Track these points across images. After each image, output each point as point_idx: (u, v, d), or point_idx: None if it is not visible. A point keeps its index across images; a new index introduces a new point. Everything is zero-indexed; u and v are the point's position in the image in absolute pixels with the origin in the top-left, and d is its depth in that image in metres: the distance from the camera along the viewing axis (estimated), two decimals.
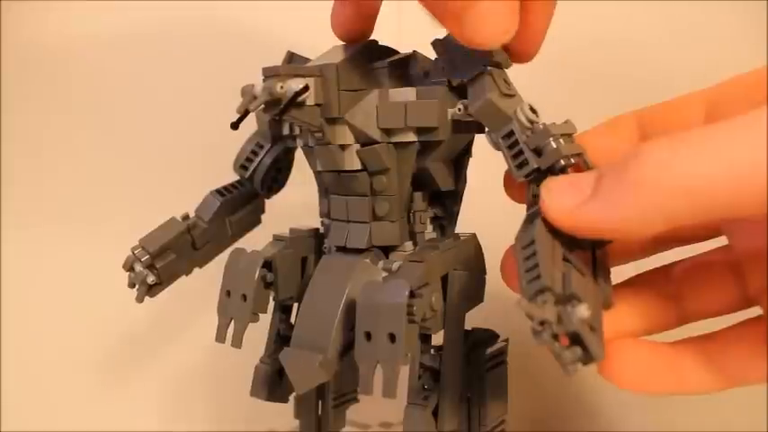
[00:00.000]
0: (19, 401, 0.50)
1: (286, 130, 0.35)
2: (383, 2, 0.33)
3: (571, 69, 0.49)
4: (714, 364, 0.26)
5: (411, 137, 0.30)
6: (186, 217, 0.36)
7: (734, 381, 0.26)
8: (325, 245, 0.34)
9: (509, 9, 0.26)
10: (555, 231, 0.25)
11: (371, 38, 0.34)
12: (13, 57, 0.56)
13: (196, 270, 0.37)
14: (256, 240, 0.36)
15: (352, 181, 0.31)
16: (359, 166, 0.31)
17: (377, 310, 0.28)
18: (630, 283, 0.30)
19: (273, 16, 0.54)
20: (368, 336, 0.28)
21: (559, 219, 0.24)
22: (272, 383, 0.36)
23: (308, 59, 0.33)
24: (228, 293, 0.33)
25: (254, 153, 0.37)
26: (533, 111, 0.28)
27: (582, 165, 0.27)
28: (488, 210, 0.38)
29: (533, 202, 0.27)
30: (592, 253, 0.27)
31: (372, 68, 0.31)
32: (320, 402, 0.40)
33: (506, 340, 0.34)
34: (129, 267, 0.34)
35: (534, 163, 0.27)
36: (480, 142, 0.31)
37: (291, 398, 0.38)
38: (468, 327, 0.32)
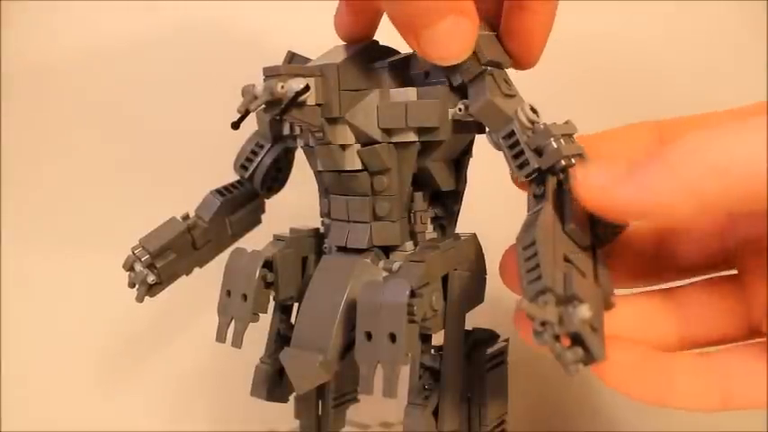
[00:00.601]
0: (19, 401, 0.50)
1: (286, 130, 0.35)
2: None
3: (571, 69, 0.49)
4: (711, 377, 0.26)
5: (412, 137, 0.30)
6: (186, 217, 0.36)
7: (730, 400, 0.26)
8: (326, 245, 0.34)
9: (467, 32, 0.27)
10: (556, 231, 0.25)
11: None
12: (14, 58, 0.56)
13: (196, 270, 0.37)
14: (256, 240, 0.36)
15: (352, 181, 0.31)
16: (359, 166, 0.31)
17: (377, 310, 0.28)
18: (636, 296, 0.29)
19: (274, 16, 0.54)
20: (368, 336, 0.28)
21: (591, 197, 0.24)
22: (273, 383, 0.36)
23: (308, 59, 0.33)
24: (229, 293, 0.33)
25: (254, 153, 0.37)
26: (534, 111, 0.28)
27: None
28: (488, 210, 0.38)
29: (534, 202, 0.27)
30: (593, 253, 0.27)
31: (373, 68, 0.31)
32: (320, 402, 0.40)
33: (507, 340, 0.34)
34: (129, 267, 0.34)
35: (535, 163, 0.27)
36: (481, 142, 0.31)
37: (291, 398, 0.38)
38: (468, 327, 0.32)
